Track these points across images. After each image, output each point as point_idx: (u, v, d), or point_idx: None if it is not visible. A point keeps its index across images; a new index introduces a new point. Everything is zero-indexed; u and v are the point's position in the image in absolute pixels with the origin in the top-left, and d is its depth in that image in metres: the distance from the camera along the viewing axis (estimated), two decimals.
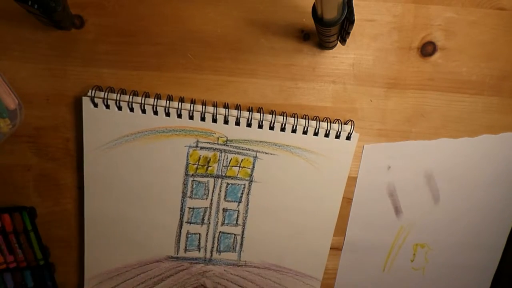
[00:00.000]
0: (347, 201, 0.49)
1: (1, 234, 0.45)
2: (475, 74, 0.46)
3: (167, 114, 0.44)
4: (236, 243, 0.49)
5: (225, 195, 0.47)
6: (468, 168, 0.48)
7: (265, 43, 0.44)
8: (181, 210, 0.47)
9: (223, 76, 0.45)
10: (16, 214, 0.45)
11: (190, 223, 0.48)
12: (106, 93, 0.43)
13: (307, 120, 0.45)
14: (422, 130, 0.47)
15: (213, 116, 0.44)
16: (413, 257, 0.51)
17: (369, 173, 0.48)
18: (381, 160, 0.48)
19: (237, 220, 0.48)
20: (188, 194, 0.47)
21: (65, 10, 0.39)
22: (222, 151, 0.46)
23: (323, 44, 0.43)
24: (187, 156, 0.45)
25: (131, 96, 0.43)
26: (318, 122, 0.45)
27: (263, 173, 0.46)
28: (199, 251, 0.49)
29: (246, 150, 0.46)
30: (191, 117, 0.44)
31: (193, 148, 0.45)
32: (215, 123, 0.44)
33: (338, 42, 0.43)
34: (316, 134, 0.45)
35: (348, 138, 0.45)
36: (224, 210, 0.48)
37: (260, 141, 0.45)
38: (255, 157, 0.46)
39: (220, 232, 0.49)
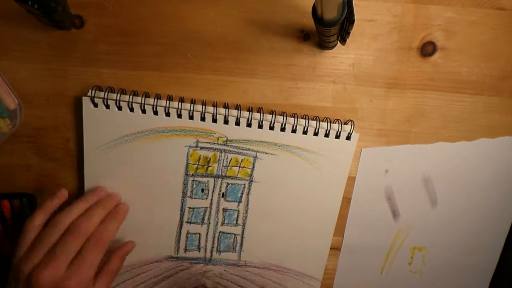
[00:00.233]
0: (347, 201, 0.49)
1: None
2: (475, 74, 0.46)
3: (167, 114, 0.44)
4: (236, 243, 0.49)
5: (225, 195, 0.47)
6: (466, 171, 0.48)
7: (265, 43, 0.44)
8: (181, 210, 0.47)
9: (223, 76, 0.45)
10: (16, 200, 0.45)
11: (190, 223, 0.48)
12: (106, 93, 0.43)
13: (307, 120, 0.45)
14: (422, 130, 0.47)
15: (213, 116, 0.44)
16: (410, 260, 0.52)
17: (367, 176, 0.48)
18: (378, 164, 0.48)
19: (237, 220, 0.48)
20: (188, 194, 0.47)
21: (65, 10, 0.39)
22: (222, 151, 0.46)
23: (323, 44, 0.43)
24: (187, 156, 0.45)
25: (131, 96, 0.43)
26: (318, 122, 0.45)
27: (263, 173, 0.46)
28: (199, 251, 0.49)
29: (246, 150, 0.46)
30: (191, 117, 0.44)
31: (193, 148, 0.45)
32: (215, 123, 0.44)
33: (338, 42, 0.43)
34: (316, 134, 0.45)
35: (348, 138, 0.45)
36: (224, 210, 0.48)
37: (260, 141, 0.45)
38: (255, 157, 0.46)
39: (220, 232, 0.49)
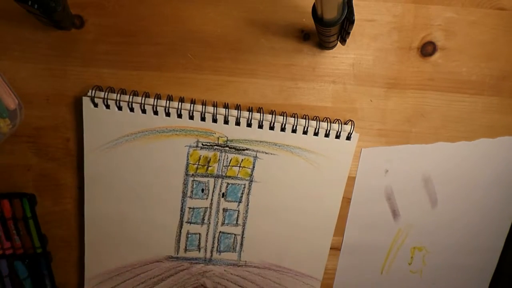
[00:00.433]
0: (347, 201, 0.49)
1: None
2: (475, 74, 0.46)
3: (167, 114, 0.44)
4: (236, 243, 0.49)
5: (225, 195, 0.47)
6: (466, 171, 0.48)
7: (265, 43, 0.44)
8: (181, 210, 0.47)
9: (223, 76, 0.45)
10: (16, 200, 0.45)
11: (190, 223, 0.48)
12: (106, 93, 0.43)
13: (307, 120, 0.45)
14: (422, 130, 0.47)
15: (213, 116, 0.44)
16: (410, 260, 0.52)
17: (367, 176, 0.48)
18: (378, 164, 0.48)
19: (237, 220, 0.48)
20: (188, 194, 0.47)
21: (65, 10, 0.39)
22: (222, 151, 0.46)
23: (323, 44, 0.43)
24: (187, 156, 0.45)
25: (131, 96, 0.43)
26: (318, 122, 0.45)
27: (263, 173, 0.46)
28: (199, 251, 0.49)
29: (246, 150, 0.46)
30: (191, 117, 0.44)
31: (193, 148, 0.45)
32: (215, 123, 0.44)
33: (338, 42, 0.43)
34: (316, 134, 0.45)
35: (348, 138, 0.45)
36: (224, 210, 0.48)
37: (260, 141, 0.45)
38: (255, 157, 0.46)
39: (220, 232, 0.49)
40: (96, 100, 0.43)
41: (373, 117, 0.47)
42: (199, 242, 0.49)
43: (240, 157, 0.46)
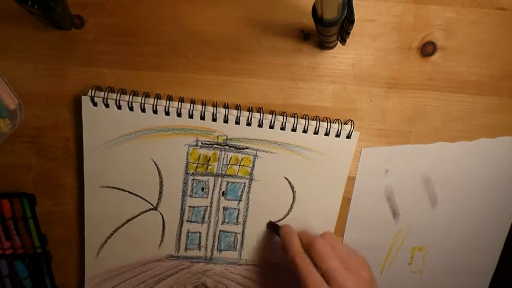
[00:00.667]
0: (347, 201, 0.49)
1: None
2: (475, 74, 0.46)
3: (167, 113, 0.44)
4: (237, 241, 0.49)
5: (225, 194, 0.47)
6: (466, 171, 0.48)
7: (265, 43, 0.44)
8: (181, 209, 0.47)
9: (223, 76, 0.45)
10: (16, 200, 0.45)
11: (191, 221, 0.48)
12: (106, 93, 0.43)
13: (307, 120, 0.45)
14: (422, 130, 0.47)
15: (212, 115, 0.44)
16: (410, 260, 0.52)
17: (367, 176, 0.48)
18: (378, 164, 0.48)
19: (237, 219, 0.48)
20: (188, 192, 0.47)
21: (65, 10, 0.39)
22: (222, 149, 0.46)
23: (323, 44, 0.43)
24: (187, 155, 0.45)
25: (131, 96, 0.43)
26: (318, 122, 0.45)
27: (263, 171, 0.46)
28: (200, 250, 0.49)
29: (246, 148, 0.46)
30: (190, 116, 0.44)
31: (193, 147, 0.45)
32: (214, 122, 0.44)
33: (338, 42, 0.43)
34: (316, 133, 0.45)
35: (348, 137, 0.45)
36: (225, 208, 0.48)
37: (260, 140, 0.45)
38: (255, 156, 0.46)
39: (220, 230, 0.49)
40: (95, 99, 0.43)
41: (373, 117, 0.47)
42: (200, 241, 0.49)
43: (240, 156, 0.46)
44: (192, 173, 0.46)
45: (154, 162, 0.45)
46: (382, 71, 0.45)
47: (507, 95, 0.47)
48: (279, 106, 0.46)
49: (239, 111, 0.44)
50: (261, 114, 0.44)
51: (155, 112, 0.43)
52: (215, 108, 0.44)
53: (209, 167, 0.46)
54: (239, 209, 0.48)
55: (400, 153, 0.48)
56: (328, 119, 0.46)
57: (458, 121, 0.47)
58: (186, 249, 0.49)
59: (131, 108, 0.43)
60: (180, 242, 0.49)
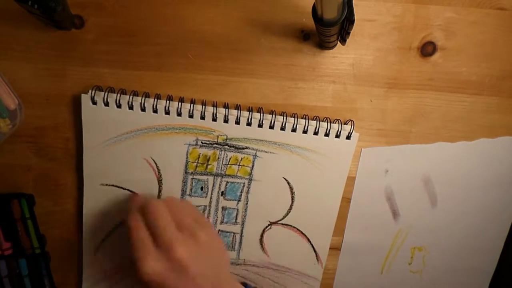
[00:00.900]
0: (347, 201, 0.49)
1: None
2: (475, 74, 0.46)
3: (167, 112, 0.44)
4: (235, 241, 0.49)
5: (225, 194, 0.47)
6: (466, 171, 0.48)
7: (265, 43, 0.44)
8: None
9: (223, 76, 0.45)
10: (15, 201, 0.45)
11: None
12: (106, 93, 0.43)
13: (307, 120, 0.45)
14: (422, 130, 0.47)
15: (212, 114, 0.44)
16: (410, 260, 0.52)
17: (367, 176, 0.48)
18: (378, 164, 0.48)
19: (236, 219, 0.48)
20: (188, 192, 0.47)
21: (65, 10, 0.39)
22: (222, 149, 0.46)
23: (323, 44, 0.43)
24: (187, 154, 0.45)
25: (131, 97, 0.43)
26: (318, 122, 0.45)
27: (263, 171, 0.46)
28: None
29: (245, 148, 0.46)
30: (190, 116, 0.44)
31: (193, 146, 0.45)
32: (214, 122, 0.44)
33: (338, 42, 0.43)
34: (316, 133, 0.45)
35: (348, 137, 0.45)
36: (223, 208, 0.48)
37: (260, 140, 0.45)
38: (255, 156, 0.46)
39: (219, 230, 0.49)
40: (95, 97, 0.43)
41: (373, 117, 0.47)
42: None
43: (240, 156, 0.46)
44: (192, 173, 0.46)
45: (154, 161, 0.46)
46: (382, 71, 0.45)
47: (507, 95, 0.47)
48: (279, 106, 0.46)
49: (239, 111, 0.44)
50: (261, 114, 0.44)
51: (155, 111, 0.44)
52: (215, 108, 0.44)
53: (209, 166, 0.46)
54: (238, 209, 0.48)
55: (400, 153, 0.48)
56: (328, 119, 0.46)
57: (458, 121, 0.47)
58: None
59: (131, 107, 0.43)
60: None
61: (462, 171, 0.48)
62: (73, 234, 0.48)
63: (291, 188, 0.47)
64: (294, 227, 0.49)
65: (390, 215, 0.50)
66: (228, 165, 0.46)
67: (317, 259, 0.50)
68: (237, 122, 0.44)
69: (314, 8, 0.35)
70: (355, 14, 0.35)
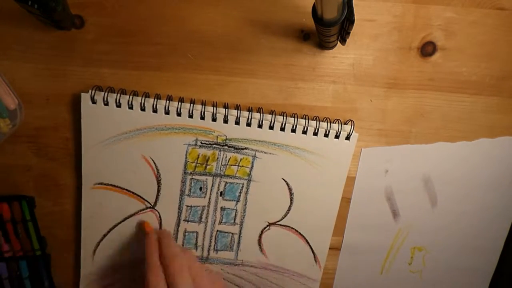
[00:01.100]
0: (347, 201, 0.49)
1: None
2: (475, 74, 0.46)
3: (167, 112, 0.44)
4: (233, 242, 0.49)
5: (223, 194, 0.47)
6: (466, 171, 0.48)
7: (265, 43, 0.44)
8: (179, 208, 0.47)
9: (223, 76, 0.45)
10: (15, 203, 0.45)
11: (188, 221, 0.48)
12: (106, 93, 0.43)
13: (306, 120, 0.45)
14: (422, 130, 0.47)
15: (212, 114, 0.44)
16: (410, 260, 0.51)
17: (367, 176, 0.48)
18: (378, 164, 0.48)
19: (234, 219, 0.48)
20: (186, 192, 0.47)
21: (65, 10, 0.39)
22: (221, 149, 0.46)
23: (323, 44, 0.43)
24: (186, 154, 0.45)
25: (131, 97, 0.43)
26: (317, 122, 0.45)
27: (262, 172, 0.46)
28: (196, 249, 0.49)
29: (245, 149, 0.46)
30: (190, 116, 0.44)
31: (192, 147, 0.45)
32: (214, 122, 0.44)
33: (338, 42, 0.43)
34: (315, 134, 0.45)
35: (347, 138, 0.45)
36: (222, 208, 0.48)
37: (260, 141, 0.45)
38: (254, 157, 0.46)
39: (217, 231, 0.49)
40: (95, 97, 0.43)
41: (373, 117, 0.47)
42: (196, 241, 0.49)
43: (239, 156, 0.46)
44: (191, 173, 0.46)
45: (153, 161, 0.46)
46: (382, 71, 0.45)
47: (507, 95, 0.47)
48: (279, 106, 0.46)
49: (239, 111, 0.44)
50: (261, 115, 0.44)
51: (154, 111, 0.44)
52: (215, 108, 0.44)
53: (208, 167, 0.46)
54: (236, 210, 0.48)
55: (400, 153, 0.48)
56: (328, 119, 0.46)
57: (458, 121, 0.47)
58: None
59: (130, 107, 0.43)
60: (177, 241, 0.48)
61: (462, 171, 0.48)
62: (72, 234, 0.48)
63: (290, 189, 0.47)
64: (293, 228, 0.49)
65: (390, 215, 0.50)
66: (227, 166, 0.46)
67: (315, 260, 0.50)
68: (237, 123, 0.44)
69: (314, 8, 0.35)
70: (355, 14, 0.35)
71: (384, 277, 0.52)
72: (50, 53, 0.43)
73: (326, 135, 0.45)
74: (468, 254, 0.52)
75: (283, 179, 0.47)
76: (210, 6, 0.43)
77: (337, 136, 0.45)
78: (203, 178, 0.47)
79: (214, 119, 0.44)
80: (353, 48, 0.45)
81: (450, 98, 0.46)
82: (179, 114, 0.44)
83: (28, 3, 0.35)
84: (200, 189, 0.47)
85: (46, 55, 0.43)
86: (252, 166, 0.46)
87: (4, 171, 0.46)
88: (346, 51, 0.45)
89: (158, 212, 0.47)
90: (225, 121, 0.44)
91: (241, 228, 0.48)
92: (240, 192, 0.47)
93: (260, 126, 0.44)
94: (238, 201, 0.47)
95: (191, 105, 0.44)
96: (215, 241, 0.49)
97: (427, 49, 0.45)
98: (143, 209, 0.47)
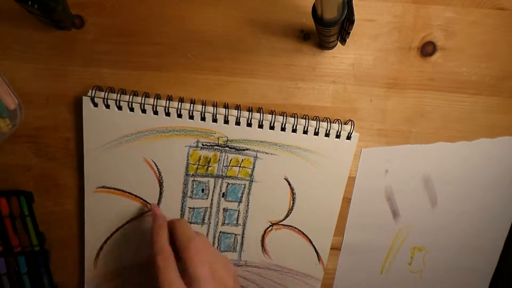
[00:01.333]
0: (347, 201, 0.49)
1: None
2: (475, 74, 0.46)
3: (167, 114, 0.44)
4: (237, 243, 0.49)
5: (226, 195, 0.47)
6: (466, 171, 0.48)
7: (265, 43, 0.44)
8: (181, 210, 0.47)
9: (223, 76, 0.45)
10: (14, 198, 0.45)
11: (191, 223, 0.48)
12: (106, 93, 0.43)
13: (307, 120, 0.45)
14: (422, 130, 0.47)
15: (213, 116, 0.44)
16: (410, 260, 0.52)
17: (367, 176, 0.48)
18: (378, 164, 0.48)
19: (237, 220, 0.48)
20: (189, 194, 0.47)
21: (65, 10, 0.39)
22: (223, 151, 0.46)
23: (323, 44, 0.43)
24: (187, 156, 0.45)
25: (131, 96, 0.43)
26: (318, 122, 0.45)
27: (264, 173, 0.46)
28: None
29: (246, 150, 0.46)
30: (191, 117, 0.44)
31: (194, 148, 0.45)
32: (215, 123, 0.44)
33: (338, 42, 0.43)
34: (316, 134, 0.45)
35: (348, 138, 0.45)
36: (225, 210, 0.48)
37: (261, 141, 0.45)
38: (256, 157, 0.46)
39: (220, 232, 0.49)
40: (96, 100, 0.43)
41: (373, 117, 0.47)
42: None
43: (240, 157, 0.46)
44: (193, 174, 0.46)
45: (155, 163, 0.45)
46: (382, 71, 0.45)
47: (507, 95, 0.47)
48: (279, 106, 0.46)
49: (239, 112, 0.44)
50: (261, 115, 0.44)
51: (155, 113, 0.43)
52: (215, 108, 0.44)
53: (210, 168, 0.46)
54: (239, 211, 0.48)
55: (400, 153, 0.48)
56: (328, 119, 0.46)
57: (458, 121, 0.47)
58: None
59: (131, 109, 0.43)
60: None
61: (462, 171, 0.48)
62: (73, 234, 0.48)
63: (292, 189, 0.47)
64: (295, 228, 0.49)
65: (390, 215, 0.50)
66: (229, 167, 0.46)
67: (318, 259, 0.50)
68: (238, 123, 0.44)
69: (314, 8, 0.35)
70: (355, 14, 0.35)
71: (384, 277, 0.52)
72: (50, 53, 0.43)
73: (327, 135, 0.45)
74: (468, 254, 0.52)
75: (285, 179, 0.47)
76: (210, 6, 0.43)
77: (338, 136, 0.45)
78: (205, 179, 0.46)
79: (214, 120, 0.44)
80: (353, 48, 0.45)
81: (450, 98, 0.46)
82: (179, 116, 0.44)
83: (28, 3, 0.35)
84: (202, 190, 0.47)
85: (46, 55, 0.43)
86: (254, 167, 0.46)
87: (4, 171, 0.46)
88: (346, 51, 0.45)
89: None
90: (226, 121, 0.44)
91: (244, 228, 0.48)
92: (242, 193, 0.47)
93: (260, 126, 0.44)
94: (240, 202, 0.47)
95: (192, 105, 0.43)
96: (218, 242, 0.49)
97: (427, 49, 0.45)
98: (146, 212, 0.47)
